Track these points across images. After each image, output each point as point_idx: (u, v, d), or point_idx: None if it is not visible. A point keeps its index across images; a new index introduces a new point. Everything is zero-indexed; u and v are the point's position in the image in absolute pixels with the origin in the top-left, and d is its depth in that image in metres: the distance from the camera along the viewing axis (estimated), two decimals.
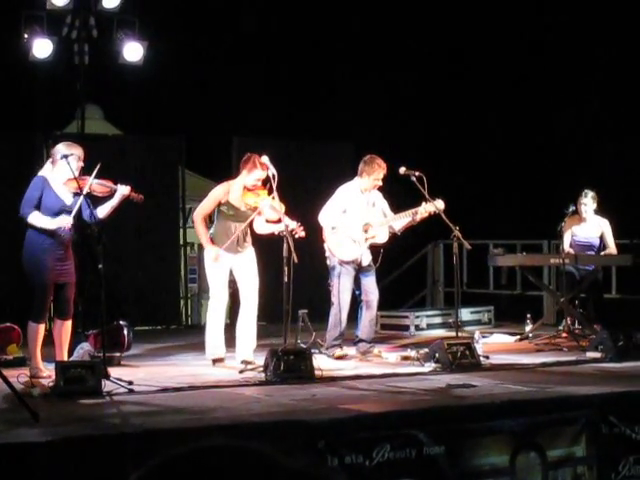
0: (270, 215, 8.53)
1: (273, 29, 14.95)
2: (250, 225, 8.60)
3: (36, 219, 7.58)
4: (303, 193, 9.71)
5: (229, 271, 8.54)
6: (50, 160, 7.82)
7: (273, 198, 8.41)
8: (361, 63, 14.72)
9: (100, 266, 7.24)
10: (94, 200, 7.80)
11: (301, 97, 14.82)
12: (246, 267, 8.55)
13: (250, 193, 8.54)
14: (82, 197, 7.55)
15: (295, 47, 14.85)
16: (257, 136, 11.85)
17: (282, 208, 8.42)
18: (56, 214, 7.59)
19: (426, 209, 8.95)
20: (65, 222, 7.55)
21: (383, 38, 14.81)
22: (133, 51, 11.95)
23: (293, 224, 8.32)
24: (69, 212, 7.59)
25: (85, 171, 7.82)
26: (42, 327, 7.73)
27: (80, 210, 7.60)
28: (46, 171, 7.79)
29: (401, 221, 9.07)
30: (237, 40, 15.11)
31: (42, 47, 11.55)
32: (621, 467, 6.37)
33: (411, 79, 14.70)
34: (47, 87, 12.49)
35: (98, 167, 7.59)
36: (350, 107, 14.08)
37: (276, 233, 8.48)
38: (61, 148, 7.73)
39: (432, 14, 14.70)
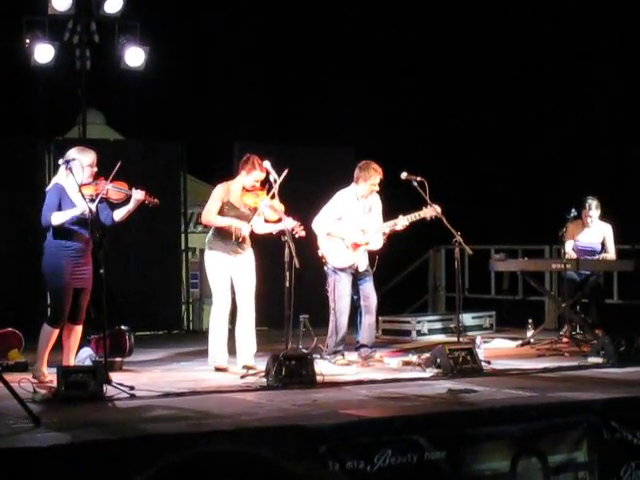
0: (270, 215, 8.52)
1: (273, 34, 14.97)
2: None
3: (59, 217, 7.48)
4: (304, 197, 9.70)
5: (230, 275, 8.55)
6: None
7: (272, 198, 8.41)
8: (361, 67, 14.74)
9: (102, 271, 7.23)
10: (110, 206, 7.78)
11: (301, 101, 14.84)
12: (245, 269, 8.55)
13: (249, 194, 8.53)
14: (96, 203, 7.49)
15: (295, 52, 14.86)
16: (258, 141, 11.86)
17: (281, 208, 8.42)
18: (75, 221, 7.53)
19: (421, 214, 8.97)
20: (86, 207, 7.39)
21: (384, 43, 14.83)
22: (134, 56, 11.98)
23: (293, 223, 8.32)
24: (87, 219, 7.49)
25: (104, 173, 7.72)
26: (56, 332, 7.64)
27: (97, 213, 7.51)
28: (61, 178, 7.67)
29: (388, 224, 9.10)
30: (238, 45, 15.13)
31: (44, 52, 11.59)
32: (622, 472, 6.36)
33: (411, 83, 14.72)
34: (49, 92, 12.48)
35: (117, 167, 7.50)
36: (350, 111, 14.09)
37: (274, 233, 8.49)
38: (72, 153, 7.64)
39: (431, 19, 14.73)
